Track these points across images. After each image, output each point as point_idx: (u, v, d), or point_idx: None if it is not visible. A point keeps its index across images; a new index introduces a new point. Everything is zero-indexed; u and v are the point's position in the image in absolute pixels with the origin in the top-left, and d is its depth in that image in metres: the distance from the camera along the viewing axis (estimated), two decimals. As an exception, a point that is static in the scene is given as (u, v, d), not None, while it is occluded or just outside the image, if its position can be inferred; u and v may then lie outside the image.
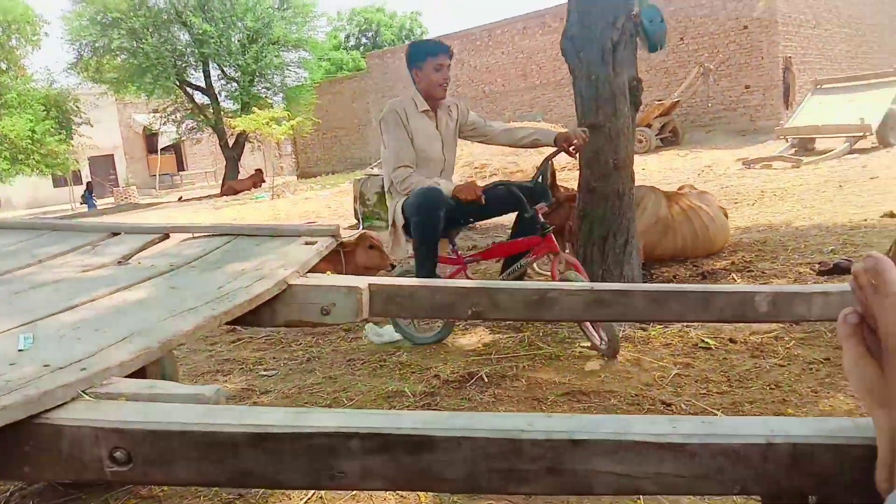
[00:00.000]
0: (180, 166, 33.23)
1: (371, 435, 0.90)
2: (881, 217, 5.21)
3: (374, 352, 3.19)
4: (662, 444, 0.85)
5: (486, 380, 2.65)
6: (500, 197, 2.93)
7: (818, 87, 12.03)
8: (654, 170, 10.78)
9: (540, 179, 3.04)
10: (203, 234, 2.14)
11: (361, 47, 37.50)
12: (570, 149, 2.88)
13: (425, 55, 2.99)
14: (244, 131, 17.69)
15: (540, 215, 2.82)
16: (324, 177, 19.72)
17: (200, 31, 18.58)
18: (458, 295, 1.66)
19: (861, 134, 10.22)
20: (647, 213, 4.07)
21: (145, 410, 0.97)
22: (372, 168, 11.96)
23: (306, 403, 2.61)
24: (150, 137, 29.97)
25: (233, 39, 19.73)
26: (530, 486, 0.88)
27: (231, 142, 20.81)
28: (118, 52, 19.25)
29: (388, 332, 3.34)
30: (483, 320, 2.46)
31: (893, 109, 10.70)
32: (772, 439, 0.83)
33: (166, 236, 2.15)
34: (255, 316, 1.61)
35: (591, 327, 2.76)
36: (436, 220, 2.77)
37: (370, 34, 39.10)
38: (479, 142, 3.33)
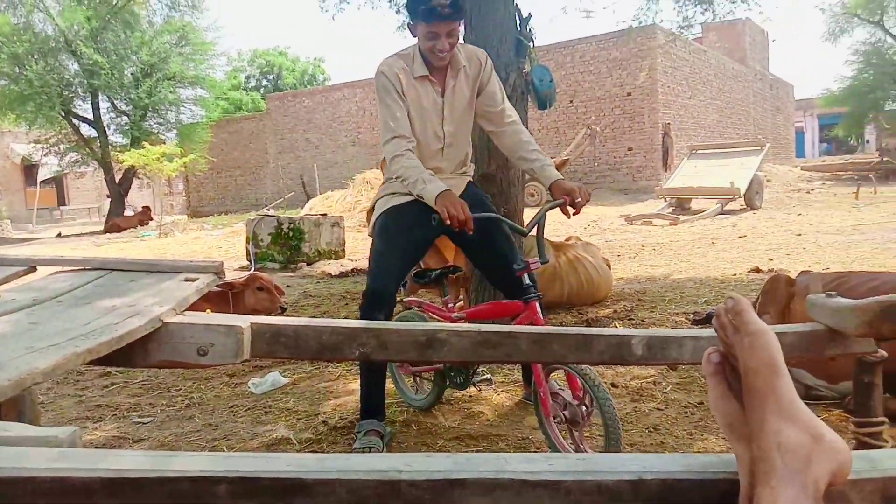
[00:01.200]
0: (61, 201, 31.14)
1: (239, 479, 0.85)
2: (749, 272, 5.64)
3: (260, 398, 3.07)
4: (538, 481, 0.85)
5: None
6: (487, 232, 2.38)
7: (693, 151, 13.04)
8: (546, 222, 11.18)
9: (535, 231, 2.41)
10: (73, 267, 2.00)
11: (262, 89, 37.08)
12: (570, 208, 2.35)
13: (416, 14, 2.30)
14: (133, 166, 16.88)
15: (526, 276, 2.26)
16: (216, 216, 19.08)
17: (91, 62, 17.71)
18: (344, 335, 1.63)
19: (731, 196, 11.11)
20: (538, 262, 4.20)
21: (-16, 456, 0.87)
22: (267, 209, 11.70)
23: (182, 448, 2.45)
24: (29, 169, 28.00)
25: (126, 72, 18.96)
26: (407, 530, 0.86)
27: (118, 177, 19.80)
28: (-2, 77, 18.04)
29: (271, 379, 3.23)
30: (371, 361, 2.29)
31: (758, 176, 11.74)
32: (643, 475, 0.85)
33: (33, 269, 2.00)
34: (125, 355, 1.51)
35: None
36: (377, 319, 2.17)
37: (272, 77, 38.78)
38: (484, 128, 2.64)
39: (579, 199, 2.32)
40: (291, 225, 7.55)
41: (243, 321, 1.61)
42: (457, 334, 1.63)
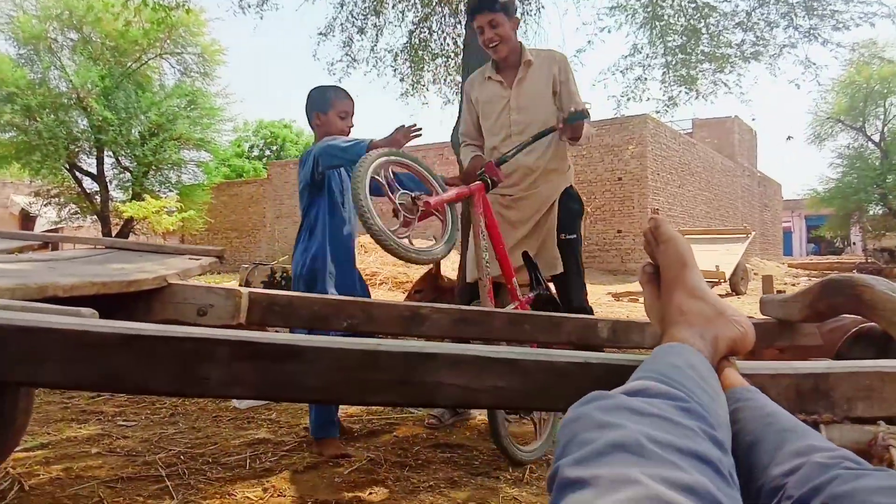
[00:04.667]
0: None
1: (240, 342, 0.97)
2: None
3: (243, 411, 3.13)
4: (499, 359, 0.98)
5: (356, 434, 2.68)
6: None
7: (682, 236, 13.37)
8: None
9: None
10: (86, 244, 2.14)
11: (264, 159, 37.86)
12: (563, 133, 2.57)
13: (471, 17, 2.69)
14: (132, 219, 17.11)
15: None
16: (208, 276, 19.16)
17: (100, 118, 18.23)
18: (334, 307, 1.76)
19: (716, 280, 11.34)
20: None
21: (17, 315, 1.00)
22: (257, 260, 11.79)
23: (165, 447, 2.51)
24: (27, 220, 28.20)
25: (133, 130, 19.47)
26: (383, 396, 0.97)
27: (115, 231, 19.98)
28: (8, 128, 18.46)
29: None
30: (358, 333, 2.34)
31: (743, 263, 12.02)
32: (589, 360, 0.99)
33: (46, 245, 2.13)
34: (129, 308, 1.64)
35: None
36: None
37: (275, 148, 39.67)
38: None
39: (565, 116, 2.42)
40: (284, 274, 7.68)
41: (242, 289, 1.75)
42: (437, 311, 1.77)
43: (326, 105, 2.59)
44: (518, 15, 2.70)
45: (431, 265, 3.51)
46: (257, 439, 2.59)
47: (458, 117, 3.77)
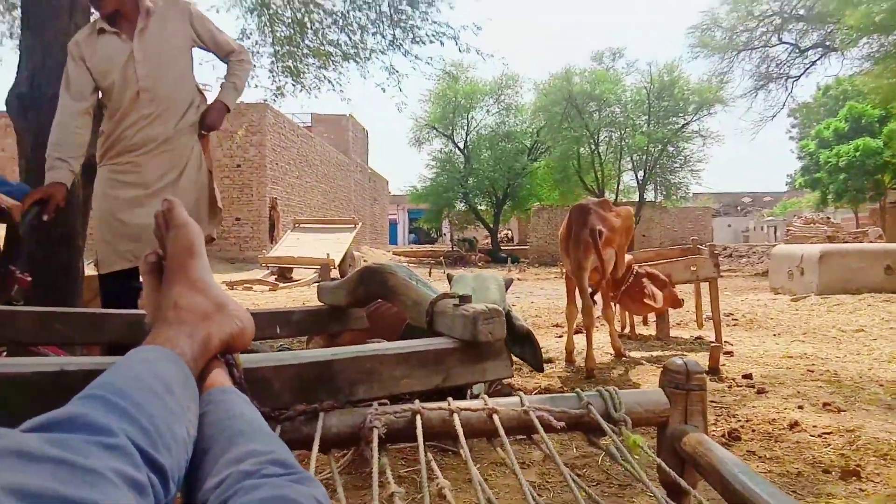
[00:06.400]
0: None
1: None
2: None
3: None
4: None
5: None
6: None
7: (297, 225, 13.74)
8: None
9: None
10: None
11: None
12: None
13: None
14: None
15: None
16: None
17: None
18: None
19: (329, 267, 11.95)
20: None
21: None
22: None
23: None
24: None
25: None
26: None
27: None
28: None
29: None
30: None
31: (351, 250, 12.90)
32: (65, 367, 0.85)
33: None
34: None
35: None
36: None
37: None
38: None
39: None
40: None
41: None
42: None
43: None
44: None
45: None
46: None
47: (17, 77, 3.27)
